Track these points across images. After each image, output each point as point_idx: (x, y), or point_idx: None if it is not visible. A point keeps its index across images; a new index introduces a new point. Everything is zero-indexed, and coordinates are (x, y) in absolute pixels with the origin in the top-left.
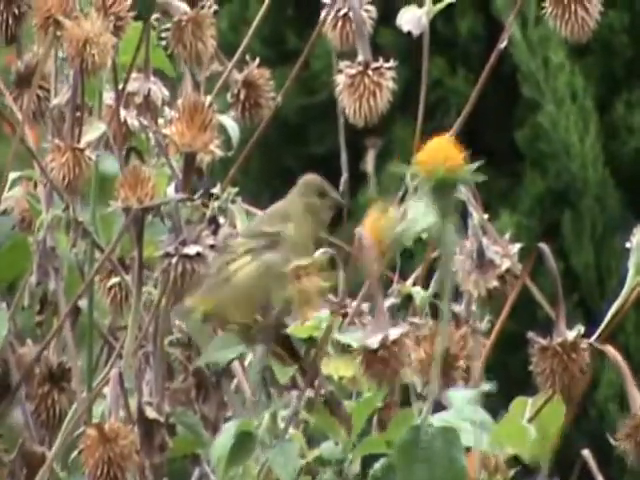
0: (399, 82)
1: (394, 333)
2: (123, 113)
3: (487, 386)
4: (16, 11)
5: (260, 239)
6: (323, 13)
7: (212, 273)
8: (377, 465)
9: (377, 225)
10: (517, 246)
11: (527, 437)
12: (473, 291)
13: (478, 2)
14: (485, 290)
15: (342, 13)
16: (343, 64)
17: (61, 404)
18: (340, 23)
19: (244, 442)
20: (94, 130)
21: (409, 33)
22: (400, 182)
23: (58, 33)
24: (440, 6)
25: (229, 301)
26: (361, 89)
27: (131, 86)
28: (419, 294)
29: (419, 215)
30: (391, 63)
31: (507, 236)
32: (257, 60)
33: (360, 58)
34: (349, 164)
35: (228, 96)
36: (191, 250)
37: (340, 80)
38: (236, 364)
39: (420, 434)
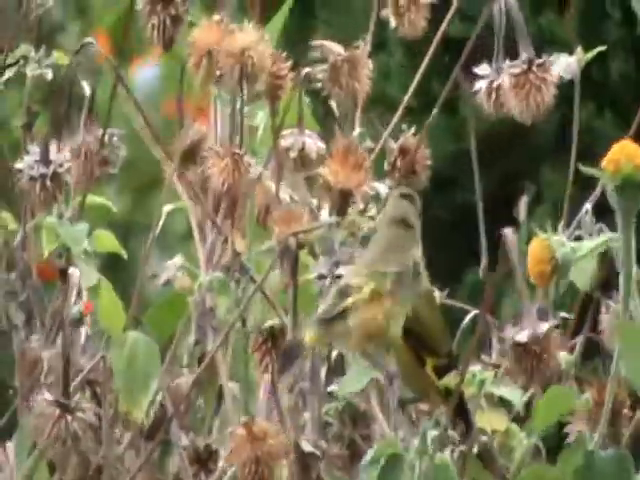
0: (550, 125)
1: (543, 327)
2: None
3: None
4: (173, 12)
5: (381, 278)
6: (477, 84)
7: (328, 304)
8: None
9: (542, 244)
10: None
11: None
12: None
13: (629, 45)
14: None
15: (496, 85)
16: (506, 64)
17: None
18: (494, 94)
19: (392, 465)
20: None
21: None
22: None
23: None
24: (591, 54)
25: (346, 336)
26: (527, 87)
27: (285, 142)
28: (565, 358)
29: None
30: (552, 57)
31: None
32: (412, 130)
33: (523, 57)
34: (499, 209)
35: (385, 164)
36: (344, 271)
37: (505, 81)
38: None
39: (595, 459)
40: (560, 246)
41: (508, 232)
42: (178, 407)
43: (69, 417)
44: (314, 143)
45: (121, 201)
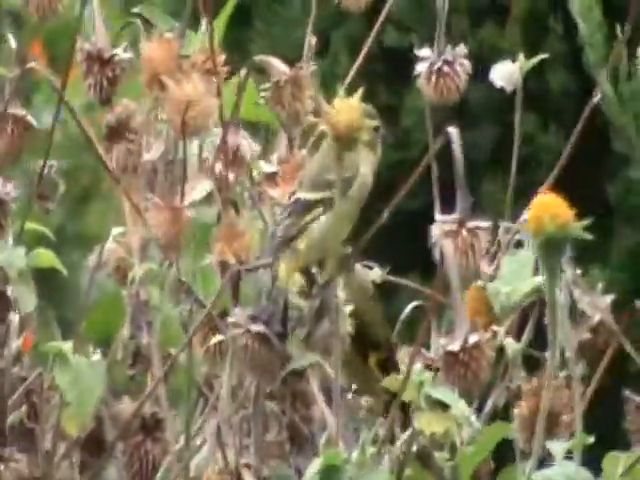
0: (490, 137)
1: (474, 337)
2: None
3: (590, 438)
4: (110, 74)
5: (327, 189)
6: (418, 67)
7: (286, 226)
8: None
9: (478, 295)
10: (609, 298)
11: None
12: (566, 342)
13: (569, 58)
14: (577, 342)
15: (437, 67)
16: (440, 217)
17: (154, 454)
18: (435, 77)
19: (331, 476)
20: (200, 190)
21: (501, 88)
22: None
23: (161, 95)
24: (533, 61)
25: (307, 252)
26: (454, 247)
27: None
28: (511, 346)
29: (516, 272)
30: (487, 223)
31: (599, 288)
32: None
33: (457, 214)
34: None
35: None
36: (257, 328)
37: (436, 230)
38: (329, 415)
39: None
40: (496, 296)
41: (447, 244)
42: (120, 434)
43: (1, 466)
44: (248, 145)
45: (56, 211)
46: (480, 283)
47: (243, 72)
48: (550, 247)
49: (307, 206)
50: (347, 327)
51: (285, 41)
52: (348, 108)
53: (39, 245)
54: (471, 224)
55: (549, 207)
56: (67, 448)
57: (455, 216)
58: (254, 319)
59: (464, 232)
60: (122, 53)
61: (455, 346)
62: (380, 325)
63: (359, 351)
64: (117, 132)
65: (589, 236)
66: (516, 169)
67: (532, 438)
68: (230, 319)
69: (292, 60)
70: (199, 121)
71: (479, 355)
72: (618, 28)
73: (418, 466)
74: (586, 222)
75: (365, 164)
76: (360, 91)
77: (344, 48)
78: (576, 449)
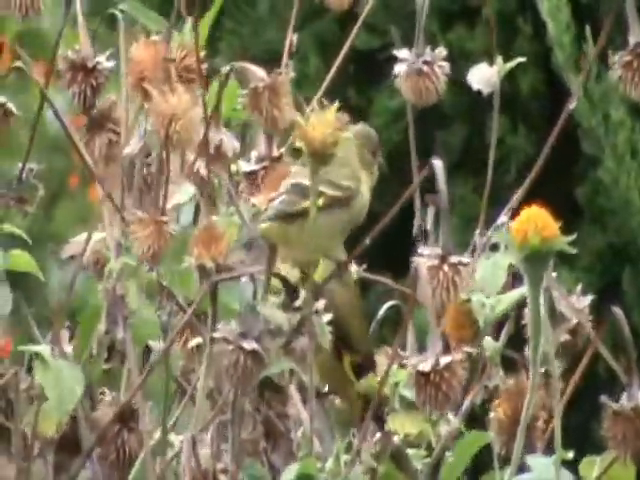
0: (459, 139)
1: (446, 359)
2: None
3: (569, 454)
4: (94, 82)
5: (337, 190)
6: (396, 68)
7: (285, 199)
8: None
9: (462, 308)
10: (588, 299)
11: None
12: (545, 344)
13: (539, 59)
14: (557, 343)
15: (416, 68)
16: (423, 249)
17: (130, 444)
18: (414, 78)
19: None
20: (183, 193)
21: (474, 91)
22: (460, 240)
23: (146, 103)
24: (511, 64)
25: (297, 237)
26: (435, 282)
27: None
28: (490, 344)
29: (491, 275)
30: (468, 259)
31: (578, 289)
32: None
33: (439, 249)
34: (407, 223)
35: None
36: (250, 345)
37: (418, 263)
38: (304, 412)
39: None
40: (481, 309)
41: (420, 262)
42: (99, 438)
43: None
44: (230, 141)
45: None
46: (464, 296)
47: (224, 72)
48: (535, 260)
49: (306, 193)
50: (327, 342)
51: (254, 40)
52: (323, 123)
53: (12, 246)
54: (453, 259)
55: (534, 220)
56: (41, 448)
57: (437, 251)
58: (244, 335)
59: (445, 267)
60: (105, 61)
61: (426, 366)
62: (361, 332)
63: (335, 351)
64: (99, 123)
65: (573, 250)
66: (485, 171)
67: (509, 442)
68: (216, 334)
69: (262, 59)
70: (183, 135)
71: (450, 376)
72: (587, 28)
73: (392, 466)
74: (571, 237)
75: (365, 185)
76: (334, 105)
77: (313, 48)
78: (556, 464)
